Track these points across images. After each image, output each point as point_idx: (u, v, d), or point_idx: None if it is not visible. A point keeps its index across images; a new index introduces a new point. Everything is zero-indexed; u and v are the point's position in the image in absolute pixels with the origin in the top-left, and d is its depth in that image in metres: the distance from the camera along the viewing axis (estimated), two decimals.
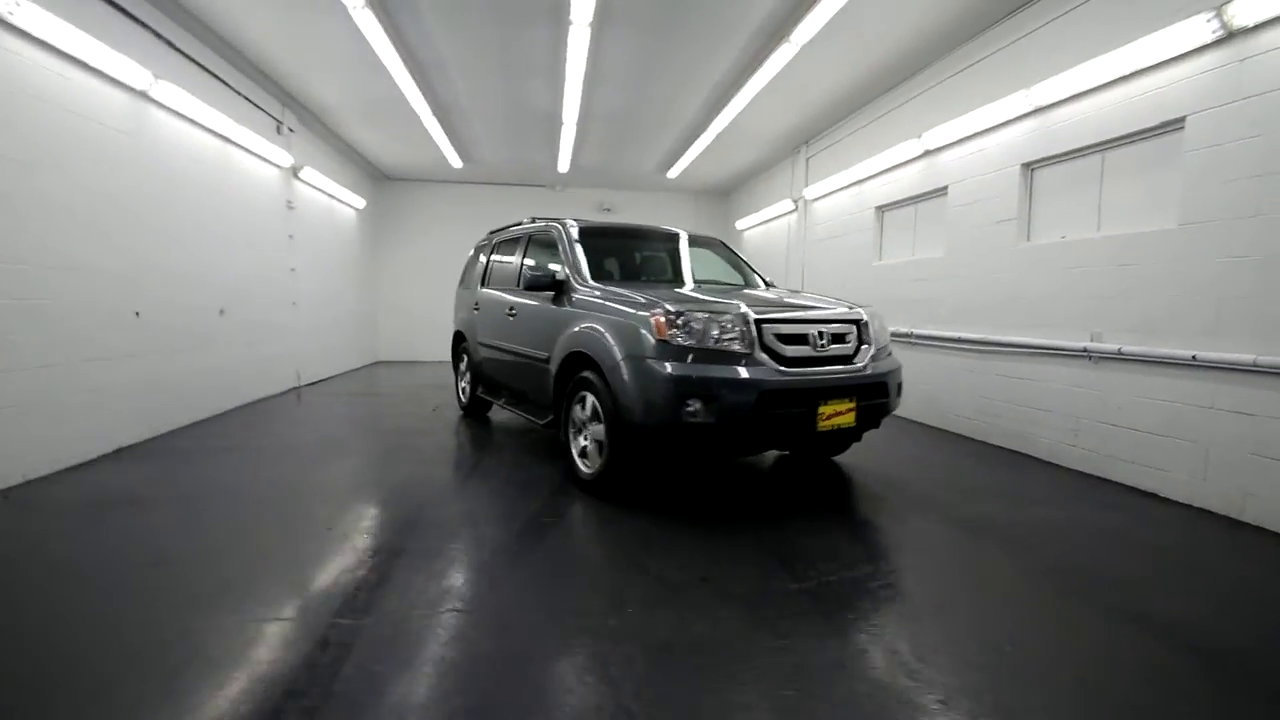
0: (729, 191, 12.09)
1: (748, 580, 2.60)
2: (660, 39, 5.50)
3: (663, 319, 3.26)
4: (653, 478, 3.98)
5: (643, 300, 3.50)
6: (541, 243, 5.05)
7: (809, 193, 8.51)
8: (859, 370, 3.57)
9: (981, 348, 5.32)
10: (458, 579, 2.56)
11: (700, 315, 3.28)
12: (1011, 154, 5.04)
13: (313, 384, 8.29)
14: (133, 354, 4.64)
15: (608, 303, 3.74)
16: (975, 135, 5.40)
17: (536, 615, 2.27)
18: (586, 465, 3.78)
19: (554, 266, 4.49)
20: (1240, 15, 3.32)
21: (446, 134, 8.26)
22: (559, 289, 4.26)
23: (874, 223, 7.11)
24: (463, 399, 6.37)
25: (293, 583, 2.49)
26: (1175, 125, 3.79)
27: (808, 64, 5.79)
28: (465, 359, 6.19)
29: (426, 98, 6.86)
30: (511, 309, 4.91)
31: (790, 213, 9.19)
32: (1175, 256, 3.75)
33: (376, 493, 3.76)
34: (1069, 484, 4.14)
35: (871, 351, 3.70)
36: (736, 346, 3.26)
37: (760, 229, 10.54)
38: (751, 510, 3.53)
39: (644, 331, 3.32)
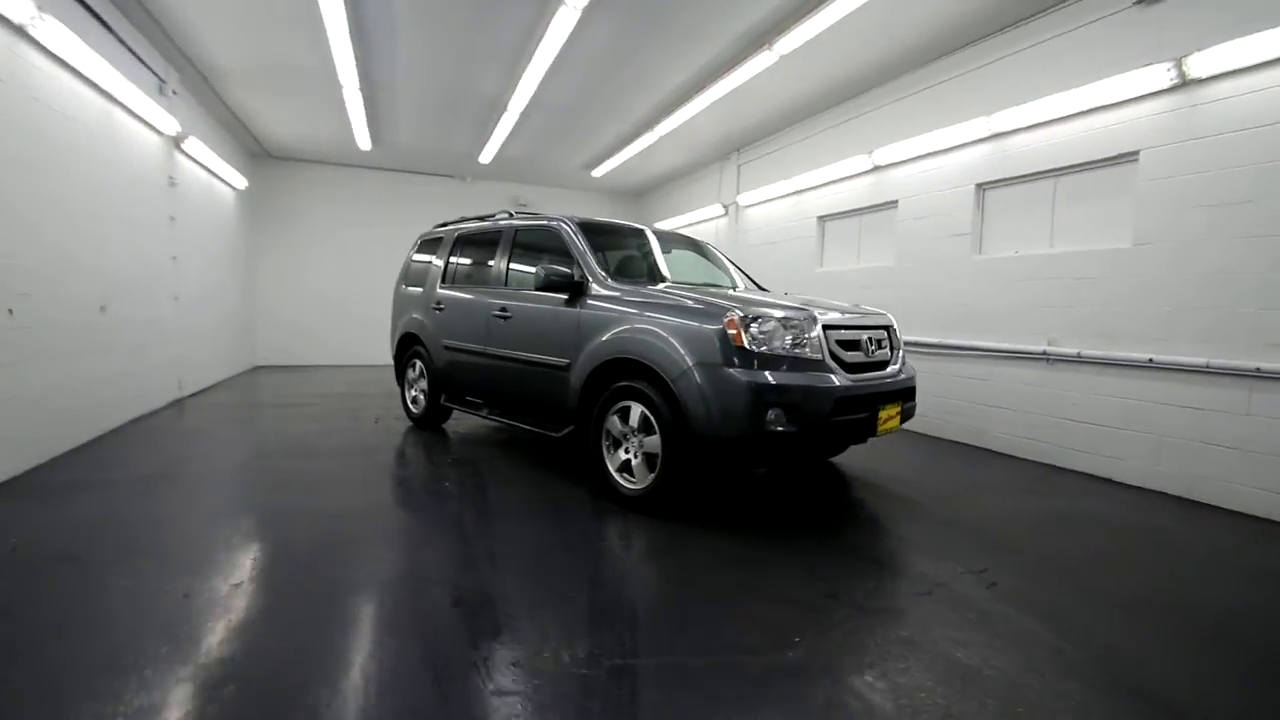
0: (643, 193, 12.09)
1: (868, 588, 2.56)
2: (645, 31, 5.30)
3: (738, 324, 3.12)
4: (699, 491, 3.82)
5: (706, 303, 3.33)
6: (531, 241, 4.66)
7: (743, 199, 8.73)
8: (897, 374, 3.68)
9: (938, 351, 5.77)
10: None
11: (774, 320, 3.18)
12: (967, 174, 5.52)
13: (196, 394, 6.99)
14: (6, 362, 3.58)
15: (651, 305, 3.51)
16: (930, 155, 5.84)
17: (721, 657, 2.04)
18: (629, 481, 3.52)
19: (558, 266, 4.11)
20: (1196, 68, 3.88)
21: (366, 111, 7.36)
22: (574, 290, 3.93)
23: (816, 231, 7.45)
24: (413, 408, 5.69)
25: None
26: (1130, 157, 4.36)
27: (766, 74, 5.90)
28: (418, 364, 5.54)
29: (359, 68, 6.04)
30: (503, 311, 4.46)
31: (720, 217, 9.38)
32: (1131, 272, 4.31)
33: (377, 558, 2.77)
34: (1032, 473, 4.61)
35: (901, 355, 3.84)
36: (810, 353, 3.21)
37: (685, 232, 10.63)
38: (798, 518, 3.50)
39: (716, 337, 3.15)
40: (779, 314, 3.22)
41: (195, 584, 2.42)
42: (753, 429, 3.03)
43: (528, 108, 7.04)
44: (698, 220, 9.95)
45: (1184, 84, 3.98)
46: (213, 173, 7.55)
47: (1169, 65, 3.97)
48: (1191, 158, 3.99)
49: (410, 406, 5.74)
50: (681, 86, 6.50)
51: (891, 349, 3.79)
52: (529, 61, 5.79)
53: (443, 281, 5.32)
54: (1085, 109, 4.54)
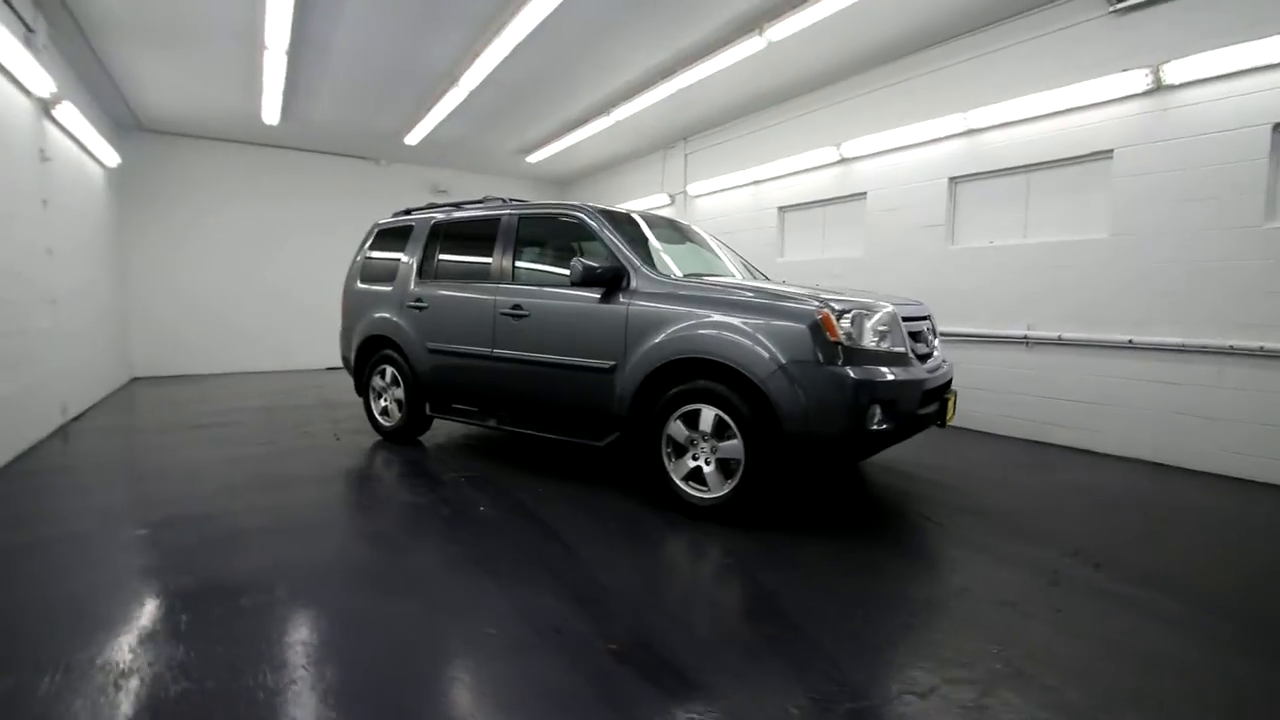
0: (570, 182, 11.64)
1: (1005, 580, 2.55)
2: (635, 6, 4.98)
3: (833, 319, 2.98)
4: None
5: (781, 296, 3.16)
6: (541, 232, 4.25)
7: (693, 189, 8.63)
8: (944, 364, 3.73)
9: None
10: None
11: (867, 314, 3.07)
12: (941, 168, 5.76)
13: (80, 418, 5.73)
14: None
15: (717, 300, 3.27)
16: (902, 149, 6.04)
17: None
18: (699, 489, 3.28)
19: (592, 260, 3.75)
20: (1170, 75, 4.27)
21: (287, 78, 6.35)
22: (614, 284, 3.60)
23: (776, 221, 7.52)
24: (384, 420, 5.01)
25: None
26: (1104, 155, 4.73)
27: (738, 63, 5.81)
28: (389, 371, 4.88)
29: (294, 27, 5.16)
30: (516, 309, 4.00)
31: (666, 206, 9.21)
32: (1109, 260, 4.70)
33: (489, 610, 2.30)
34: (1018, 449, 4.94)
35: (938, 345, 3.91)
36: (895, 346, 3.14)
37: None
38: (841, 515, 3.46)
39: (810, 332, 2.98)
40: (864, 308, 3.12)
41: None
42: (853, 427, 2.91)
43: (482, 84, 6.43)
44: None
45: (1158, 89, 4.37)
46: (84, 146, 6.19)
47: (1147, 71, 4.34)
48: (1164, 157, 4.40)
49: (379, 418, 5.05)
50: (655, 69, 6.24)
51: (935, 338, 3.84)
52: (500, 31, 5.24)
53: (420, 277, 4.71)
54: (1062, 109, 4.87)
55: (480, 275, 4.38)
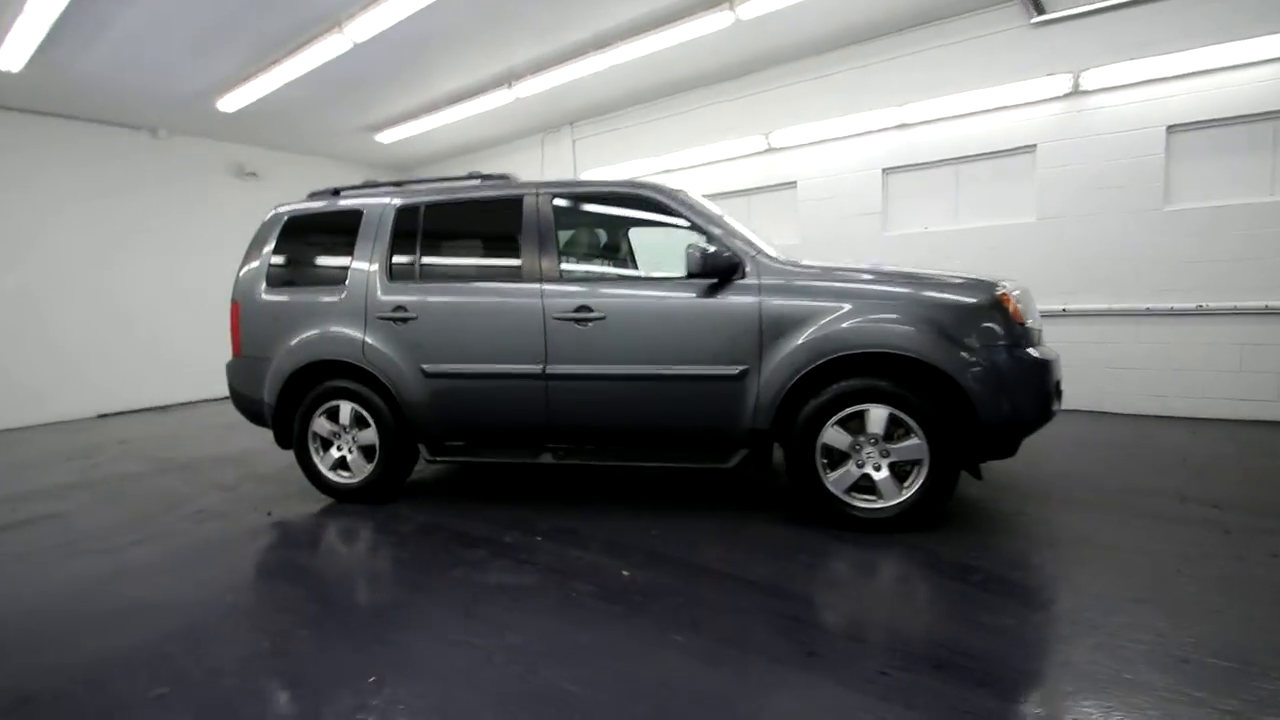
0: (411, 169, 10.02)
1: (1202, 546, 2.67)
2: None
3: (1013, 299, 2.82)
4: None
5: (941, 279, 2.92)
6: (587, 219, 3.47)
7: (590, 178, 7.99)
8: None
9: None
10: None
11: (1023, 291, 2.97)
12: (873, 160, 6.09)
13: None
14: None
15: (862, 286, 2.93)
16: (835, 140, 6.24)
17: None
18: (867, 500, 2.90)
19: (690, 245, 3.09)
20: (1085, 81, 5.00)
21: (69, 5, 4.24)
22: (726, 275, 3.01)
23: None
24: (338, 477, 3.61)
25: None
26: (1029, 149, 5.39)
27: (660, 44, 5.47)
28: (350, 407, 3.53)
29: None
30: (582, 311, 3.13)
31: None
32: (1038, 242, 5.38)
33: None
34: None
35: None
36: (1039, 324, 3.10)
37: None
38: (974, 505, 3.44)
39: (996, 315, 2.78)
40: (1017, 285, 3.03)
41: None
42: (1044, 412, 2.81)
43: (372, 39, 5.06)
44: None
45: (1075, 93, 5.10)
46: None
47: (1069, 76, 5.03)
48: (1080, 151, 5.16)
49: (330, 474, 3.64)
50: (592, 39, 5.54)
51: None
52: None
53: (392, 279, 3.49)
54: (990, 107, 5.44)
55: (504, 273, 3.40)
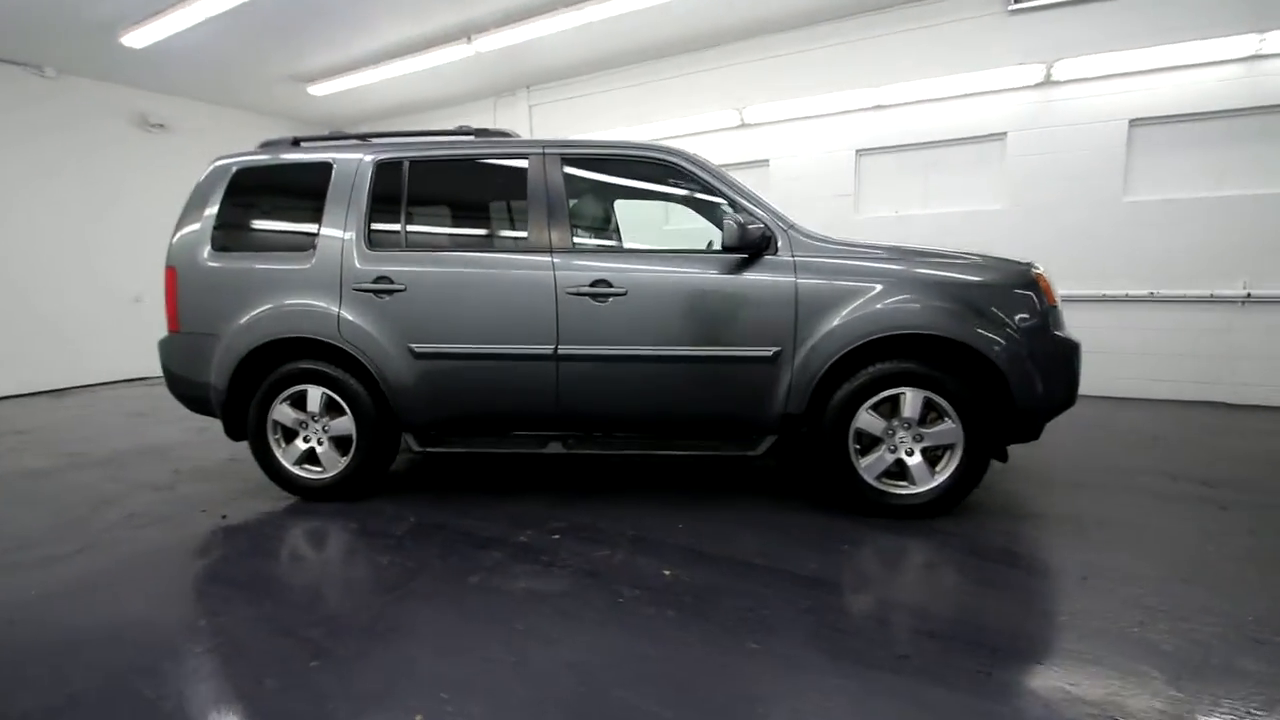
0: (343, 128, 9.14)
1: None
2: None
3: (1046, 279, 2.80)
4: None
5: (974, 256, 2.87)
6: (601, 185, 3.14)
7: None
8: None
9: None
10: None
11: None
12: (847, 140, 6.05)
13: None
14: None
15: (899, 265, 2.83)
16: (809, 118, 6.15)
17: None
18: (897, 487, 2.83)
19: (727, 216, 2.86)
20: (1057, 72, 5.13)
21: None
22: (759, 250, 2.82)
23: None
24: (306, 473, 3.16)
25: None
26: (999, 136, 5.50)
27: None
28: (320, 393, 3.08)
29: None
30: (600, 285, 2.84)
31: None
32: (1010, 228, 5.52)
33: None
34: None
35: None
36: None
37: None
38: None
39: (1032, 296, 2.77)
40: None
41: None
42: (1072, 395, 2.83)
43: None
44: None
45: (1046, 83, 5.23)
46: None
47: (1043, 66, 5.14)
48: (1048, 141, 5.31)
49: (295, 470, 3.17)
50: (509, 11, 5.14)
51: None
52: None
53: (372, 246, 3.05)
54: (963, 93, 5.50)
55: (507, 243, 3.07)
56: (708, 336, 2.84)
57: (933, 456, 2.82)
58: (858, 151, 6.06)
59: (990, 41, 5.35)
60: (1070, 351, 2.78)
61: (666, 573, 2.38)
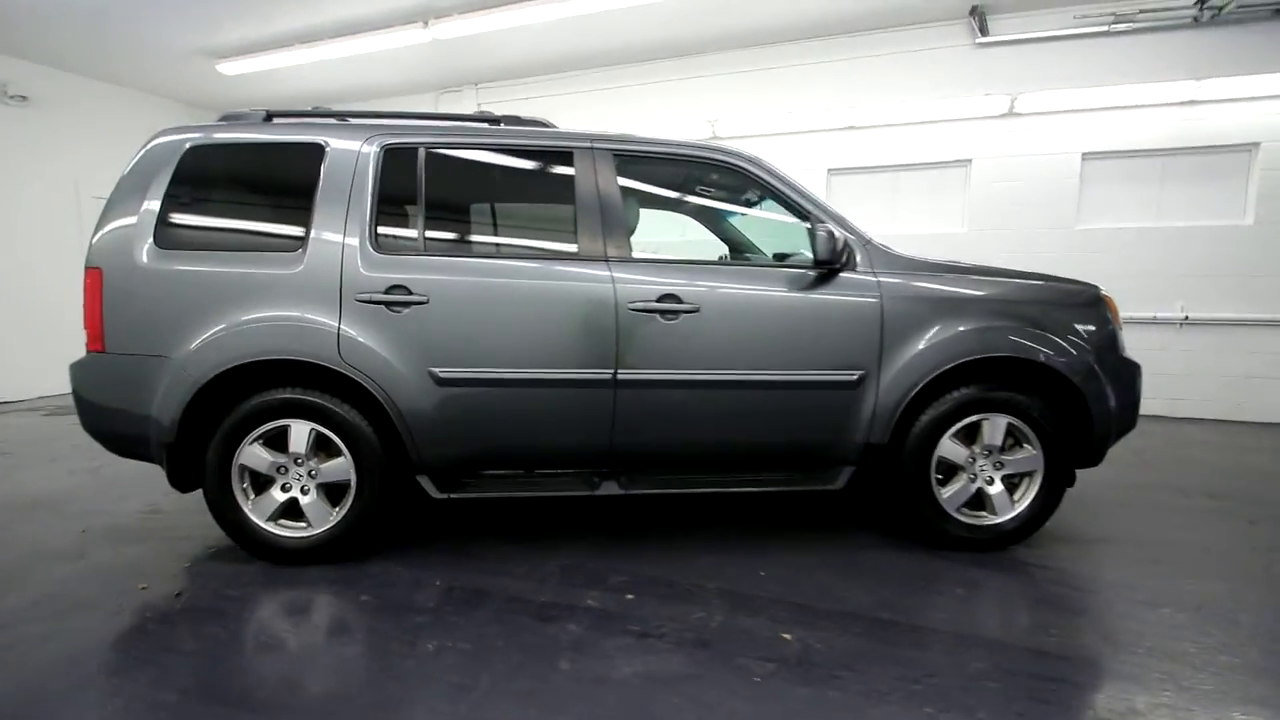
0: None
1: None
2: None
3: (1112, 299, 2.77)
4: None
5: (1061, 282, 2.82)
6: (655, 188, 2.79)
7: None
8: None
9: None
10: None
11: None
12: (819, 158, 6.07)
13: None
14: None
15: (971, 283, 2.70)
16: (783, 134, 6.11)
17: None
18: (972, 518, 2.68)
19: (818, 226, 2.59)
20: (1019, 105, 5.41)
21: None
22: (829, 267, 2.58)
23: None
24: (284, 531, 2.49)
25: None
26: (964, 162, 5.72)
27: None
28: (305, 430, 2.44)
29: None
30: (669, 301, 2.47)
31: None
32: (965, 251, 5.71)
33: None
34: None
35: None
36: None
37: None
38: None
39: (1105, 318, 2.73)
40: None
41: None
42: (1135, 419, 2.81)
43: None
44: None
45: (1010, 114, 5.50)
46: None
47: (1009, 99, 5.40)
48: (1007, 168, 5.58)
49: (268, 527, 2.50)
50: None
51: None
52: None
53: (378, 247, 2.49)
54: (932, 119, 5.68)
55: (552, 250, 2.62)
56: (787, 359, 2.56)
57: (1009, 485, 2.70)
58: (830, 170, 6.10)
59: (959, 72, 5.56)
60: (1135, 373, 2.77)
61: (787, 636, 2.04)
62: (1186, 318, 5.24)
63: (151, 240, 2.46)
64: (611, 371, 2.49)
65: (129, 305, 2.45)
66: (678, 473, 2.71)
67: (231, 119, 2.68)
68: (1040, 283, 2.78)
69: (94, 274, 2.46)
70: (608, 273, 2.51)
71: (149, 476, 3.37)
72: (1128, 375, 2.74)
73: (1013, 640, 2.05)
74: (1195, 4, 4.69)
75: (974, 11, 5.31)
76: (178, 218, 2.51)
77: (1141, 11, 4.88)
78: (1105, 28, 5.02)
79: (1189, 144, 5.11)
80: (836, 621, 2.14)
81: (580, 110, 6.70)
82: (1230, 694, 1.76)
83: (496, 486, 2.62)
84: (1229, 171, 5.10)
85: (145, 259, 2.45)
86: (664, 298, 2.51)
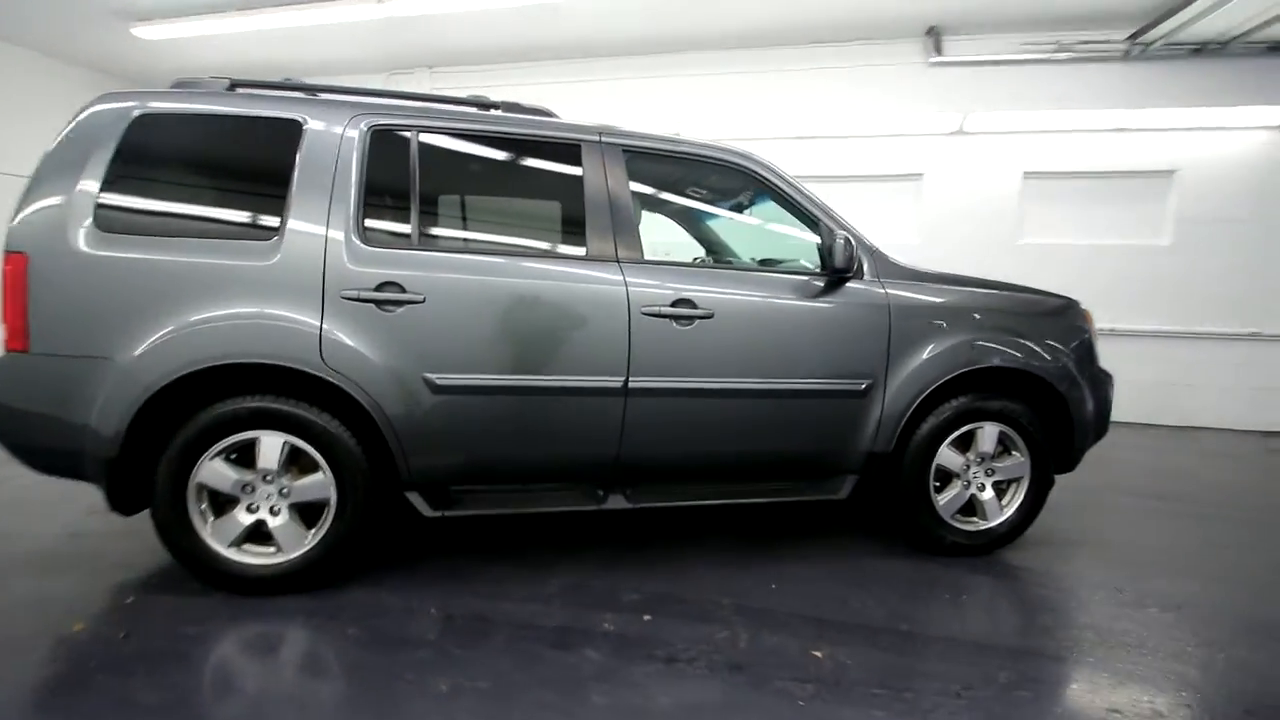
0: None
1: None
2: None
3: (1090, 316, 2.91)
4: None
5: (1049, 295, 2.94)
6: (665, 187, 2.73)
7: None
8: None
9: None
10: None
11: None
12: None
13: None
14: None
15: (971, 292, 2.80)
16: (742, 140, 6.11)
17: None
18: (966, 524, 2.75)
19: (836, 232, 2.57)
20: (968, 124, 5.68)
21: None
22: (842, 275, 2.57)
23: None
24: (252, 558, 2.19)
25: None
26: (916, 176, 5.94)
27: None
28: (278, 443, 2.16)
29: None
30: (683, 305, 2.37)
31: None
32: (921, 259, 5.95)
33: None
34: None
35: None
36: None
37: None
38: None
39: (1086, 331, 2.86)
40: None
41: None
42: (1106, 427, 2.96)
43: None
44: None
45: (960, 132, 5.76)
46: None
47: (958, 115, 5.65)
48: (957, 181, 5.85)
49: (228, 555, 2.19)
50: None
51: None
52: None
53: (365, 239, 2.24)
54: (887, 133, 5.88)
55: (559, 248, 2.46)
56: (799, 367, 2.52)
57: (998, 490, 2.79)
58: None
59: (913, 88, 5.76)
60: (1109, 383, 2.92)
61: (817, 654, 1.99)
62: (1112, 329, 5.66)
63: (91, 222, 2.11)
64: (623, 379, 2.36)
65: (60, 297, 2.09)
66: (684, 484, 2.61)
67: (185, 85, 2.36)
68: (1031, 296, 2.89)
69: (16, 260, 2.08)
70: (620, 275, 2.38)
71: (66, 496, 2.92)
72: (1104, 384, 2.89)
73: (1024, 645, 2.09)
74: (1127, 39, 5.06)
75: (930, 31, 5.52)
76: (124, 198, 2.16)
77: (1081, 43, 5.23)
78: (1049, 55, 5.34)
79: (1118, 168, 5.54)
80: (859, 635, 2.11)
81: (545, 99, 6.47)
82: (1238, 693, 1.86)
83: (494, 503, 2.44)
84: (1150, 196, 5.56)
85: (83, 244, 2.10)
86: (678, 302, 2.40)
